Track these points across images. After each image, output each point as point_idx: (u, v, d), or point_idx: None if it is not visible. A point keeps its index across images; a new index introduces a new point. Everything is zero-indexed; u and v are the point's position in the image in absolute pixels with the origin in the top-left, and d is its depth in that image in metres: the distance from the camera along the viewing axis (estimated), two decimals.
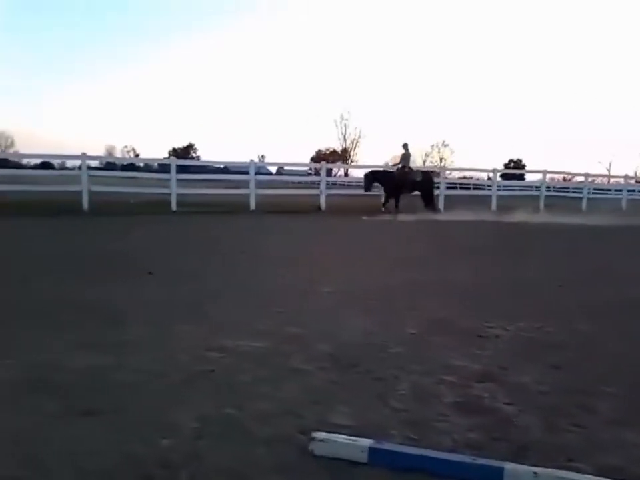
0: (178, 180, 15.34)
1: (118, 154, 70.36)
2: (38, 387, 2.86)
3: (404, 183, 16.20)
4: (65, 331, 3.78)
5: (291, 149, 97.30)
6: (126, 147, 75.78)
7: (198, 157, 66.90)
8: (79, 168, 14.83)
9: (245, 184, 16.51)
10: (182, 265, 6.80)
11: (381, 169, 17.68)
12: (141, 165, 39.71)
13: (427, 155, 70.80)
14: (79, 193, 14.09)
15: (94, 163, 15.19)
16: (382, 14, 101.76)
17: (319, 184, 17.63)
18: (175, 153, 65.67)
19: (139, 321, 4.07)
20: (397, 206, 16.11)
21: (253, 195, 15.75)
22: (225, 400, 2.71)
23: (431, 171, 19.14)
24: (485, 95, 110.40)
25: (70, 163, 32.57)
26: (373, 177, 16.65)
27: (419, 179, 16.46)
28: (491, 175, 20.80)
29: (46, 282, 5.44)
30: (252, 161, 17.60)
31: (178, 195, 15.02)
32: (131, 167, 40.10)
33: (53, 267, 6.36)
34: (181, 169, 16.81)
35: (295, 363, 3.26)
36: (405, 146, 17.02)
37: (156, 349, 3.46)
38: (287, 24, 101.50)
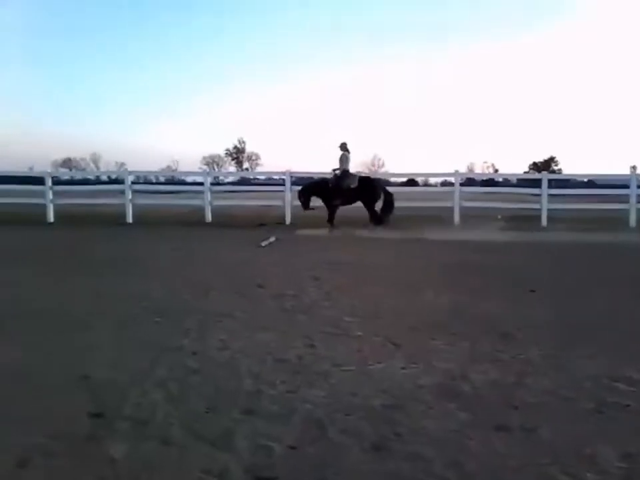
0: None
1: (478, 170, 72.05)
2: (446, 394, 3.04)
3: (338, 192, 12.93)
4: (461, 343, 3.97)
5: None
6: (485, 162, 77.09)
7: (560, 170, 63.51)
8: (442, 184, 15.27)
9: (615, 198, 15.18)
10: (564, 284, 6.47)
11: (317, 179, 14.05)
12: (500, 179, 39.46)
13: None
14: (451, 209, 14.52)
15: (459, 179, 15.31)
16: None
17: None
18: (535, 167, 63.76)
19: (529, 340, 4.02)
20: (331, 219, 13.07)
21: (633, 209, 14.04)
22: None
23: (374, 177, 14.35)
24: None
25: (433, 180, 34.87)
26: (309, 190, 13.50)
27: (353, 185, 12.96)
28: None
29: (439, 294, 5.76)
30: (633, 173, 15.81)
31: (548, 210, 14.25)
32: (490, 182, 40.38)
33: (427, 279, 6.74)
34: (534, 183, 16.02)
35: None
36: (343, 146, 13.29)
37: (556, 373, 3.36)
38: None
